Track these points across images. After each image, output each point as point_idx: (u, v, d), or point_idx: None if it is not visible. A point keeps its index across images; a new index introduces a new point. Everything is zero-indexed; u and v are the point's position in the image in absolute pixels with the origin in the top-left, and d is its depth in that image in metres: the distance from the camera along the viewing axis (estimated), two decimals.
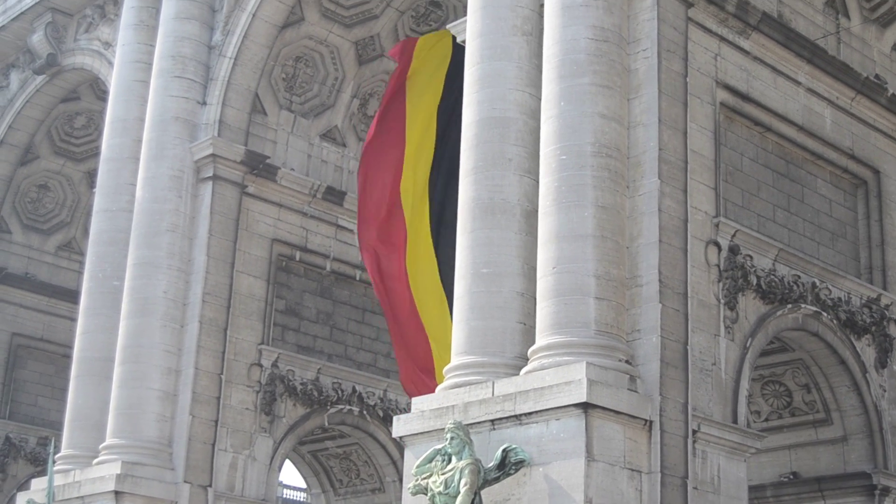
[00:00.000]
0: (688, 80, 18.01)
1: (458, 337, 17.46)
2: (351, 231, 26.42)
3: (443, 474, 15.65)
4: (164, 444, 22.88)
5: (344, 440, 26.92)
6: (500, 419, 16.09)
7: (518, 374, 16.48)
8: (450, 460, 15.70)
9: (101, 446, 23.06)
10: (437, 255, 21.18)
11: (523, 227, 17.62)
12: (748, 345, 17.93)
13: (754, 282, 18.20)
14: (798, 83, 19.88)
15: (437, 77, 21.75)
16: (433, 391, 17.88)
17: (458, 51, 20.24)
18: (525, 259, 17.45)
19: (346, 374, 25.85)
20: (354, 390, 25.75)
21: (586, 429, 15.38)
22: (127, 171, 25.29)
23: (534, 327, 16.85)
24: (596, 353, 16.06)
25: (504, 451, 15.67)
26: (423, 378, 20.65)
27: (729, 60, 18.87)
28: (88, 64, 29.00)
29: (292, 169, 25.99)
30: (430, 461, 15.95)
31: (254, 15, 25.04)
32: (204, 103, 24.87)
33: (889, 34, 21.97)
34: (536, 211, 17.37)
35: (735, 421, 17.36)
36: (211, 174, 24.34)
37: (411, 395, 19.60)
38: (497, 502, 15.68)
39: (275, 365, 24.59)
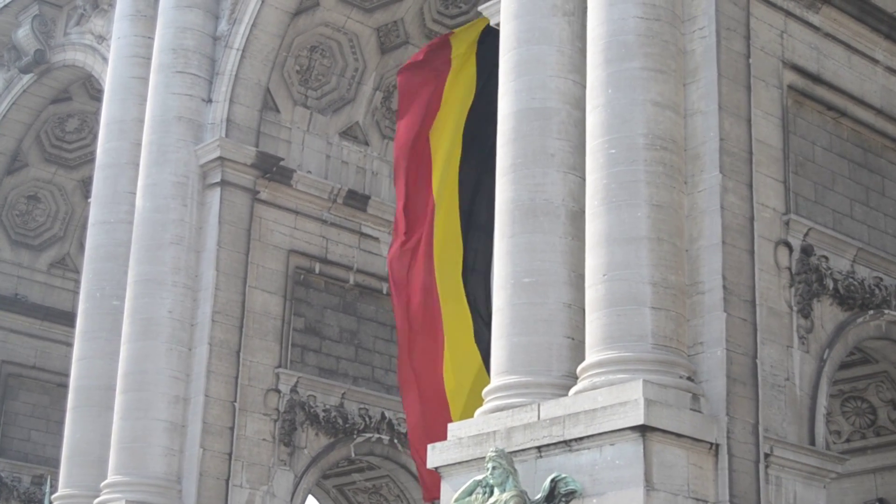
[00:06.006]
0: (751, 61, 17.93)
1: (499, 355, 17.44)
2: (376, 239, 26.51)
3: None
4: (172, 481, 22.96)
5: (373, 472, 26.99)
6: (548, 445, 16.05)
7: (566, 395, 16.45)
8: (492, 492, 15.69)
9: (102, 484, 23.16)
10: (464, 263, 21.08)
11: (569, 230, 17.59)
12: (825, 357, 17.81)
13: (831, 286, 18.09)
14: (875, 61, 19.77)
15: (469, 65, 21.66)
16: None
17: (490, 34, 20.19)
18: (572, 266, 17.41)
19: (373, 399, 25.91)
20: (383, 416, 25.80)
21: (644, 454, 15.31)
22: (125, 178, 25.49)
23: (583, 342, 16.81)
24: (654, 370, 15.99)
25: (553, 481, 15.63)
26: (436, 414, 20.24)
27: (796, 38, 18.79)
28: (80, 60, 29.23)
29: (309, 171, 26.08)
30: (470, 494, 15.96)
31: (263, 1, 25.14)
32: (209, 101, 24.99)
33: None
34: (583, 212, 17.33)
35: (812, 443, 17.25)
36: (219, 179, 24.47)
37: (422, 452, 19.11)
38: None
39: (294, 390, 24.66)
